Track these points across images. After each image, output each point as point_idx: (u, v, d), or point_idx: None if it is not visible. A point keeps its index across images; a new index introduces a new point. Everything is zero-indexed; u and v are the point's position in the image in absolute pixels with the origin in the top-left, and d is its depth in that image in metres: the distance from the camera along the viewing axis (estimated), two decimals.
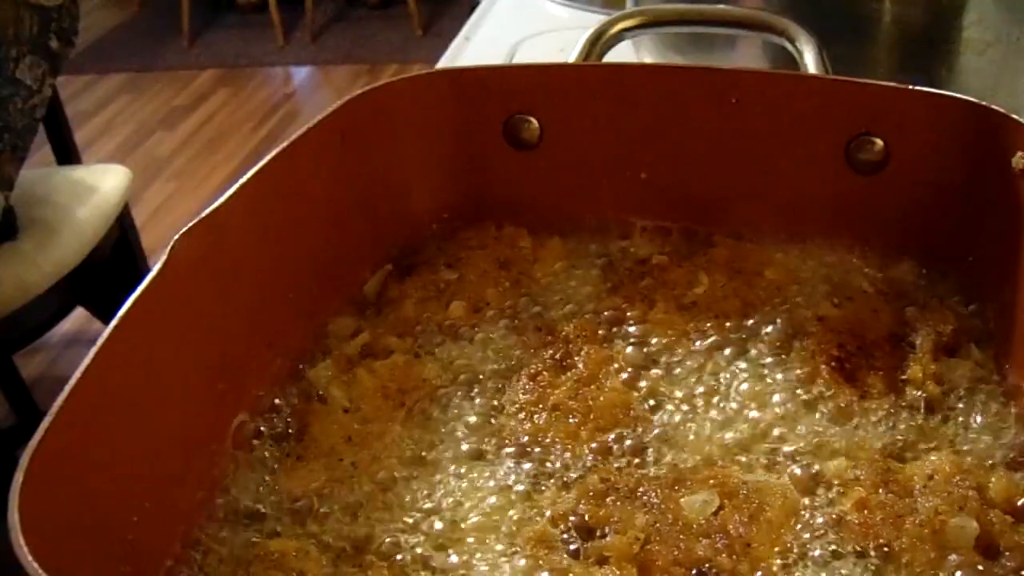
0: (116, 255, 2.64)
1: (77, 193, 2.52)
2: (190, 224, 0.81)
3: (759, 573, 0.74)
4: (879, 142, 0.97)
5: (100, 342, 0.71)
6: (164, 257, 0.78)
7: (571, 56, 1.10)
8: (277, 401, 0.89)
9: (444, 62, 1.66)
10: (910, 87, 0.94)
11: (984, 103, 0.90)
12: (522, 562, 0.75)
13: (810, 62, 1.04)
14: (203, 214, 0.82)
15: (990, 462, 0.81)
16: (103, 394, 0.71)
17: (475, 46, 1.72)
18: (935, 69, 1.23)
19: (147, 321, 0.75)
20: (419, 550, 0.77)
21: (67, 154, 2.77)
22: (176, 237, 0.79)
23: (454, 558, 0.76)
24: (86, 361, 0.70)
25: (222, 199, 0.84)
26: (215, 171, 4.38)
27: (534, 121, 1.03)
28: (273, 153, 0.89)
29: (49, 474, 0.65)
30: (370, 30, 5.91)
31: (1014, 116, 0.87)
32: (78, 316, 2.74)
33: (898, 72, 1.21)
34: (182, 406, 0.80)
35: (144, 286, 0.75)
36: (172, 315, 0.79)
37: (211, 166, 4.47)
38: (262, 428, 0.87)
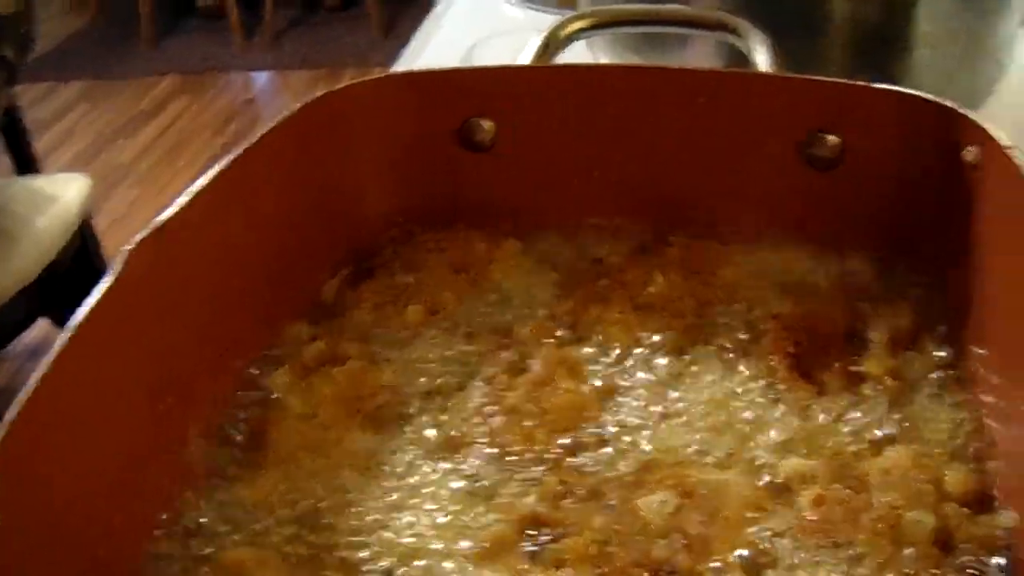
0: (78, 264, 2.62)
1: (37, 203, 2.51)
2: (141, 235, 0.80)
3: (718, 572, 0.74)
4: (833, 138, 0.97)
5: (50, 358, 0.70)
6: (116, 269, 0.77)
7: (525, 57, 1.10)
8: (234, 409, 0.89)
9: (400, 65, 1.66)
10: (863, 83, 0.94)
11: (936, 98, 0.90)
12: (479, 567, 0.75)
13: (763, 60, 1.04)
14: (154, 224, 0.81)
15: (947, 455, 0.81)
16: (55, 410, 0.70)
17: (431, 49, 1.71)
18: (889, 65, 1.24)
19: (99, 334, 0.74)
20: (378, 557, 0.77)
21: (26, 163, 2.75)
22: (127, 248, 0.78)
23: (412, 563, 0.76)
24: (35, 377, 0.68)
25: (174, 208, 0.83)
26: (177, 177, 4.36)
27: (488, 123, 1.03)
28: (226, 160, 0.88)
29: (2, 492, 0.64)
30: (330, 33, 5.89)
31: (964, 111, 0.88)
32: (42, 327, 2.72)
33: (852, 68, 1.21)
34: (137, 418, 0.79)
35: (95, 299, 0.74)
36: (125, 327, 0.78)
37: (173, 172, 4.45)
38: (219, 437, 0.86)
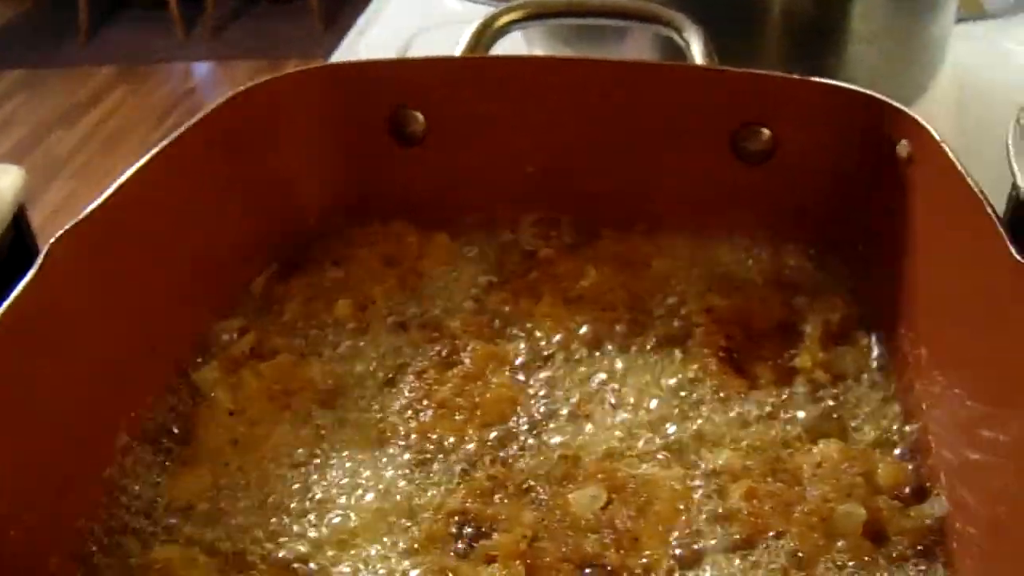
0: (12, 257, 2.59)
1: None
2: (64, 228, 0.78)
3: (648, 567, 0.74)
4: (766, 131, 0.97)
5: None
6: (37, 263, 0.75)
7: (457, 49, 1.09)
8: (162, 405, 0.87)
9: (337, 57, 1.64)
10: (796, 76, 0.94)
11: (869, 92, 0.90)
12: (408, 563, 0.75)
13: (697, 53, 1.04)
14: (79, 217, 0.80)
15: (878, 448, 0.82)
16: None
17: (369, 40, 1.70)
18: (824, 59, 1.24)
19: (21, 331, 0.73)
20: (306, 552, 0.76)
21: None
22: (50, 242, 0.77)
23: (342, 560, 0.76)
24: None
25: (100, 199, 0.82)
26: (115, 169, 4.27)
27: (419, 115, 1.02)
28: (152, 152, 0.87)
29: None
30: (271, 25, 5.86)
31: (898, 105, 0.88)
32: None
33: (787, 62, 1.21)
34: (63, 415, 0.78)
35: (16, 294, 0.73)
36: (48, 323, 0.76)
37: (111, 164, 4.40)
38: (147, 433, 0.85)
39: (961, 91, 1.38)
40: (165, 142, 0.88)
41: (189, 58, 5.61)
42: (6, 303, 0.72)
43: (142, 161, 0.86)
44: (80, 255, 0.79)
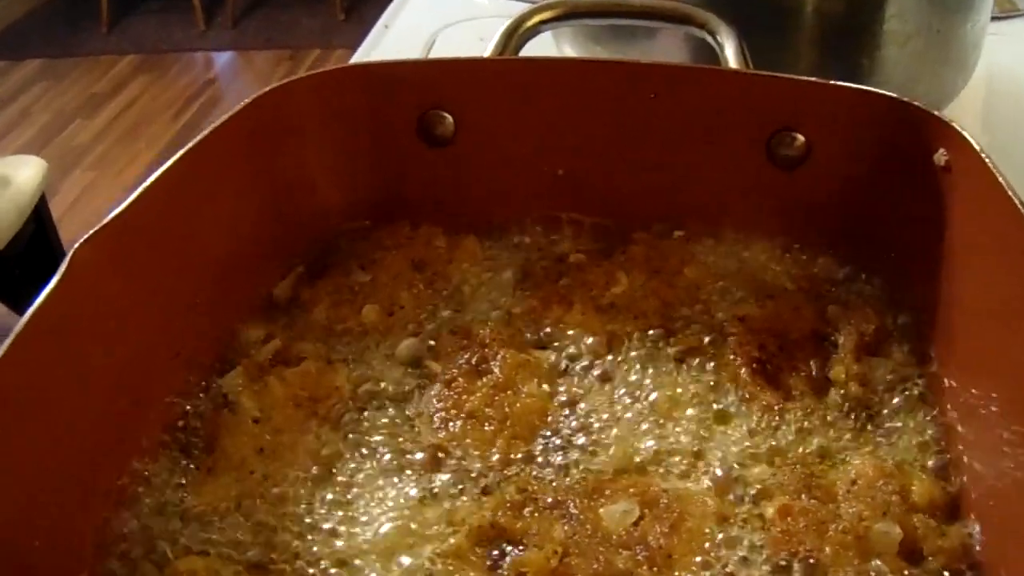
0: (33, 247, 2.59)
1: None
2: (91, 231, 0.77)
3: None
4: (800, 137, 0.95)
5: None
6: (63, 267, 0.74)
7: (488, 48, 1.08)
8: (187, 412, 0.86)
9: (362, 51, 1.63)
10: (832, 82, 0.92)
11: (907, 99, 0.88)
12: None
13: (731, 56, 1.02)
14: (104, 220, 0.79)
15: (913, 464, 0.80)
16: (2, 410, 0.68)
17: (394, 34, 1.69)
18: (857, 61, 1.22)
19: (46, 335, 0.72)
20: (331, 565, 0.75)
21: None
22: (76, 246, 0.76)
23: (368, 574, 0.74)
24: None
25: (124, 204, 0.80)
26: (135, 160, 4.32)
27: (448, 117, 1.01)
28: (178, 155, 0.85)
29: None
30: (292, 15, 5.85)
31: (936, 112, 0.86)
32: None
33: (819, 64, 1.20)
34: (86, 421, 0.77)
35: (42, 299, 0.72)
36: (73, 327, 0.75)
37: (131, 155, 4.40)
38: (171, 441, 0.84)
39: (995, 90, 1.36)
40: (191, 144, 0.87)
41: (209, 48, 5.60)
42: (31, 310, 0.71)
43: (168, 164, 0.85)
44: (105, 260, 0.78)
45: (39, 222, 2.62)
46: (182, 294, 0.88)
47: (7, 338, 0.69)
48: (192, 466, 0.83)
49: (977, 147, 0.80)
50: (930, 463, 0.80)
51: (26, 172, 2.56)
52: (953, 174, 0.85)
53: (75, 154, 4.44)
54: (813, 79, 0.93)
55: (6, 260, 2.41)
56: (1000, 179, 0.76)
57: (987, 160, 0.78)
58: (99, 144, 4.55)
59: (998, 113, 1.33)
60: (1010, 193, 0.74)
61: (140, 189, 0.82)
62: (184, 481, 0.81)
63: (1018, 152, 0.86)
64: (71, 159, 4.38)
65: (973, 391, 0.80)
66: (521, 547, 0.75)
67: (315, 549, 0.76)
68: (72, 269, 0.75)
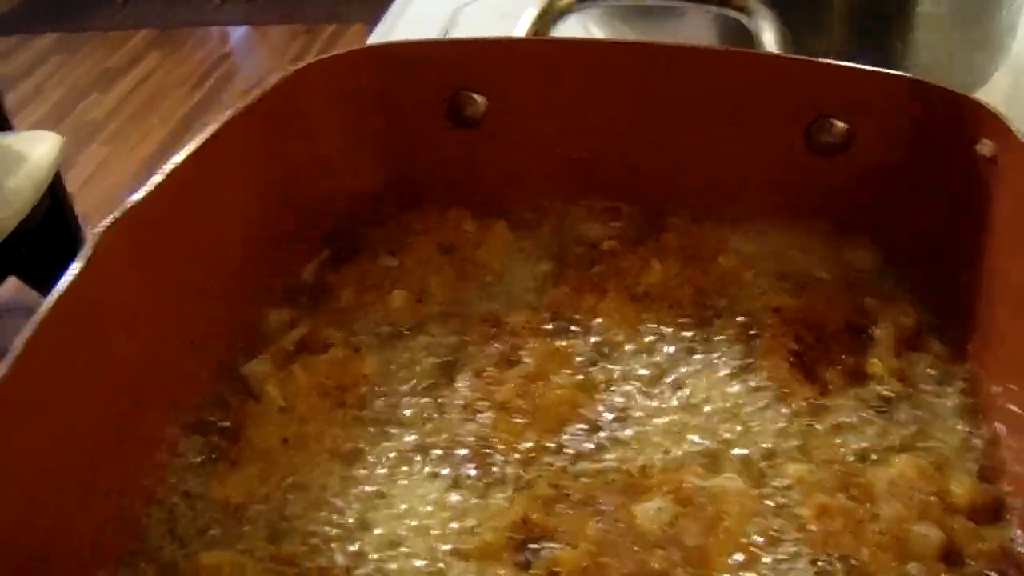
0: (49, 223, 2.58)
1: (6, 162, 2.47)
2: (112, 217, 0.76)
3: None
4: (840, 124, 0.93)
5: (17, 349, 0.66)
6: (86, 254, 0.73)
7: (518, 28, 1.06)
8: (210, 401, 0.85)
9: (381, 27, 1.61)
10: (874, 69, 0.90)
11: (952, 89, 0.86)
12: (465, 574, 0.72)
13: (771, 40, 1.00)
14: (126, 206, 0.77)
15: (953, 465, 0.78)
16: (20, 401, 0.66)
17: (415, 9, 1.66)
18: (889, 44, 1.20)
19: (69, 323, 0.71)
20: (357, 559, 0.73)
21: None
22: (98, 232, 0.74)
23: (394, 569, 0.73)
24: (6, 363, 0.65)
25: (146, 189, 0.79)
26: (150, 134, 4.30)
27: (478, 98, 0.99)
28: (199, 140, 0.84)
29: None
30: None
31: (983, 101, 0.84)
32: (10, 286, 2.67)
33: (851, 45, 1.18)
34: (108, 410, 0.75)
35: (66, 285, 0.70)
36: (96, 315, 0.74)
37: (146, 129, 4.38)
38: (194, 432, 0.83)
39: None
40: (213, 127, 0.85)
41: (225, 23, 5.58)
42: (55, 294, 0.70)
43: (191, 147, 0.83)
44: (129, 244, 0.77)
45: (54, 198, 2.61)
46: (205, 280, 0.87)
47: (33, 318, 0.68)
48: (216, 457, 0.81)
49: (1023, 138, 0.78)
50: (970, 462, 0.78)
51: (42, 148, 2.55)
52: (997, 165, 0.83)
53: (90, 129, 4.43)
54: (855, 65, 0.91)
55: (22, 236, 2.40)
56: None
57: None
58: (114, 119, 4.53)
59: None
60: None
61: (164, 172, 0.81)
62: (208, 473, 0.80)
63: None
64: (85, 134, 4.37)
65: (1013, 388, 0.78)
66: (554, 544, 0.73)
67: (342, 543, 0.75)
68: (95, 257, 0.73)
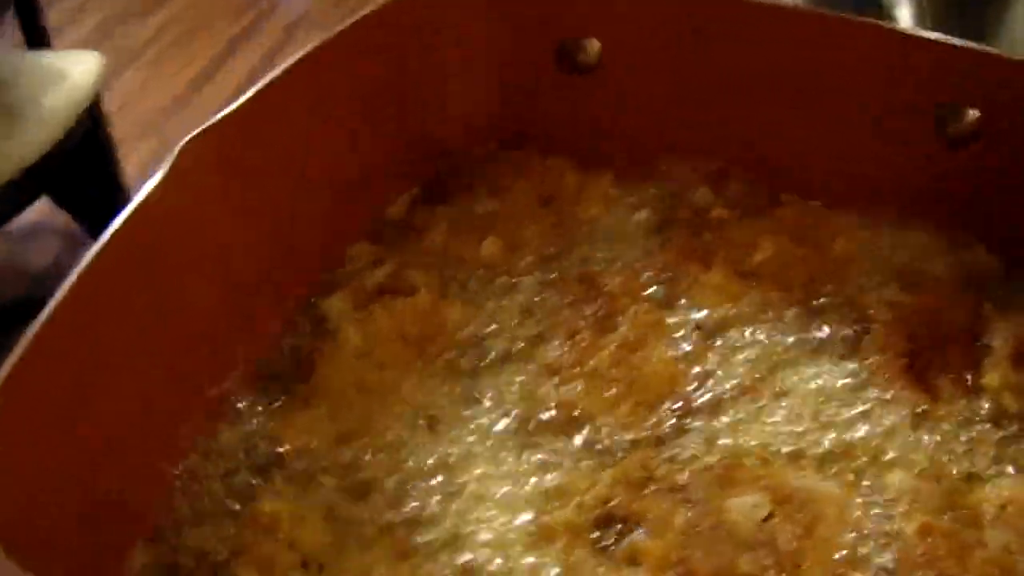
0: (85, 145, 2.54)
1: (45, 80, 2.43)
2: (199, 129, 0.72)
3: None
4: (972, 113, 0.87)
5: (89, 257, 0.63)
6: (168, 164, 0.70)
7: None
8: (285, 335, 0.82)
9: None
10: (1015, 57, 0.85)
11: None
12: (541, 551, 0.68)
13: (905, 16, 0.94)
14: (214, 119, 0.74)
15: None
16: (88, 318, 0.64)
17: None
18: (984, 16, 1.15)
19: (144, 237, 0.68)
20: (432, 530, 0.69)
21: (37, 37, 2.66)
22: (182, 143, 0.71)
23: (466, 538, 0.69)
24: (69, 281, 0.62)
25: (236, 104, 0.75)
26: (191, 61, 4.25)
27: (594, 42, 0.94)
28: (295, 58, 0.81)
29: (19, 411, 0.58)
30: None
31: None
32: (41, 205, 2.63)
33: (943, 18, 1.12)
34: (181, 333, 0.73)
35: (143, 197, 0.68)
36: (173, 231, 0.71)
37: (187, 57, 4.32)
38: (266, 366, 0.79)
39: None
40: (309, 47, 0.82)
41: None
42: (132, 206, 0.67)
43: (286, 65, 0.80)
44: (210, 162, 0.74)
45: (92, 119, 2.57)
46: (289, 204, 0.83)
47: (98, 241, 0.65)
48: (285, 394, 0.78)
49: None
50: None
51: (83, 67, 2.51)
52: None
53: (129, 53, 4.37)
54: (995, 51, 0.87)
55: (58, 155, 2.36)
56: None
57: None
58: (154, 44, 4.47)
59: None
60: None
61: (253, 91, 0.77)
62: (277, 410, 0.77)
63: None
64: (125, 58, 4.31)
65: None
66: (640, 530, 0.69)
67: (411, 508, 0.71)
68: (176, 167, 0.70)
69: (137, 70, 4.17)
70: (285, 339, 0.81)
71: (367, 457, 0.73)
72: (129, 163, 2.27)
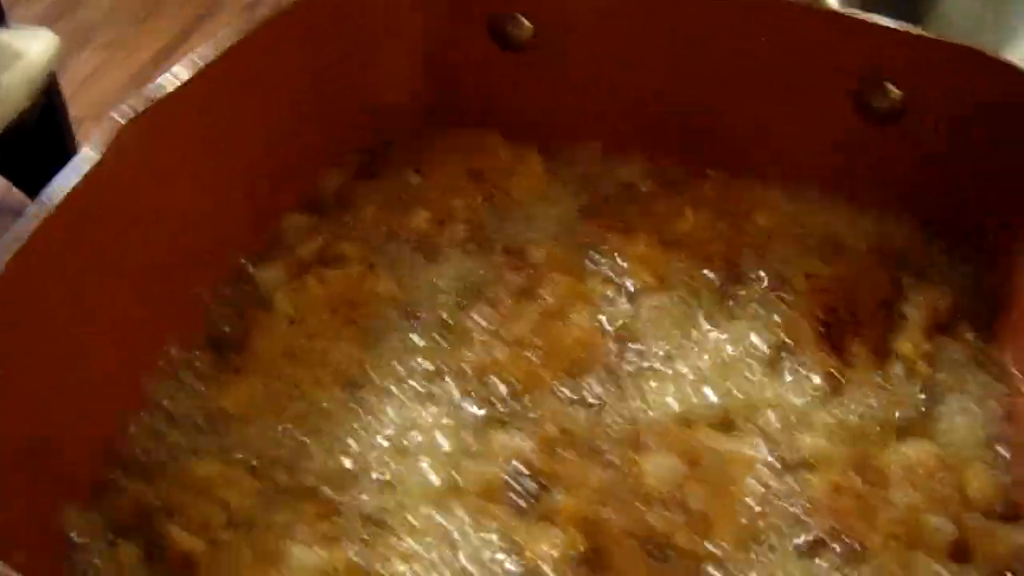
0: (41, 124, 2.54)
1: (0, 57, 2.42)
2: (136, 112, 0.73)
3: (720, 558, 0.69)
4: (894, 90, 0.89)
5: (21, 238, 0.64)
6: (105, 144, 0.71)
7: None
8: (219, 305, 0.83)
9: None
10: (937, 37, 0.87)
11: (1014, 63, 0.83)
12: (460, 511, 0.70)
13: None
14: (151, 101, 0.75)
15: (973, 458, 0.76)
16: (26, 292, 0.65)
17: None
18: (920, 2, 1.17)
19: (81, 213, 0.69)
20: (354, 491, 0.72)
21: None
22: (120, 124, 0.72)
23: (388, 499, 0.71)
24: (6, 254, 0.63)
25: (172, 87, 0.77)
26: (148, 42, 4.24)
27: (524, 20, 0.95)
28: (232, 38, 0.81)
29: None
30: None
31: None
32: None
33: (881, 3, 1.14)
34: (115, 306, 0.74)
35: (81, 175, 0.69)
36: (110, 207, 0.72)
37: (143, 36, 4.31)
38: (199, 337, 0.81)
39: None
40: (243, 31, 0.83)
41: None
42: (71, 184, 0.68)
43: (222, 45, 0.81)
44: (149, 139, 0.75)
45: (48, 98, 2.57)
46: (227, 177, 0.84)
47: (34, 214, 0.66)
48: (219, 363, 0.80)
49: None
50: (991, 457, 0.76)
51: (38, 45, 2.50)
52: None
53: (85, 33, 4.35)
54: (917, 30, 0.87)
55: (14, 134, 2.36)
56: None
57: None
58: (109, 24, 4.45)
59: None
60: None
61: (194, 65, 0.78)
62: (210, 378, 0.78)
63: None
64: (81, 38, 4.29)
65: None
66: (556, 490, 0.71)
67: (338, 470, 0.73)
68: (113, 148, 0.71)
69: (93, 50, 4.16)
70: (220, 307, 0.83)
71: (296, 422, 0.75)
72: (85, 142, 2.28)
